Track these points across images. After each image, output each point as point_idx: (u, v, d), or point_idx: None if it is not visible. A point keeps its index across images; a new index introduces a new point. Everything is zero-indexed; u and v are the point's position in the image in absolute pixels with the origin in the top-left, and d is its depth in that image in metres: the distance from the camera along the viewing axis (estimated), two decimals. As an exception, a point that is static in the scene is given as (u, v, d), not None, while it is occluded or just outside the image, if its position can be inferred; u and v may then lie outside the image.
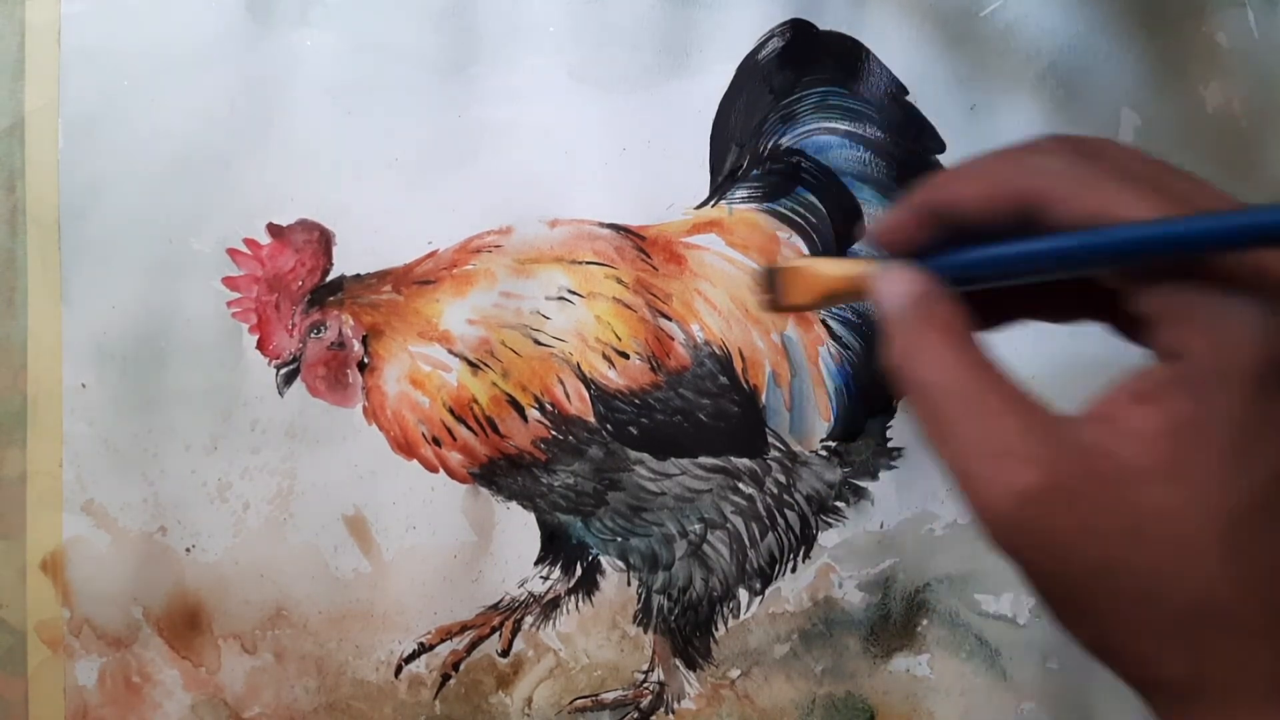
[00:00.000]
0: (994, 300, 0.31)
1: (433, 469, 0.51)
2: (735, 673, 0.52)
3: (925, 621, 0.52)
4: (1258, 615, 0.26)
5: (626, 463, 0.51)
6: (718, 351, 0.51)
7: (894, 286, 0.29)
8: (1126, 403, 0.26)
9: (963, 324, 0.28)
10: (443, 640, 0.51)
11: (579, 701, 0.52)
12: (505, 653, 0.52)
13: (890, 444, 0.52)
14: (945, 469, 0.28)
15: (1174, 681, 0.27)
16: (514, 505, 0.51)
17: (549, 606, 0.52)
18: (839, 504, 0.52)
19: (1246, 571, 0.26)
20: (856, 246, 0.52)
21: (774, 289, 0.32)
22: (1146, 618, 0.27)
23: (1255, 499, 0.26)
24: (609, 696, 0.52)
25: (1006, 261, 0.28)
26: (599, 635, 0.52)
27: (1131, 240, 0.26)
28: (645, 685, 0.52)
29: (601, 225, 0.52)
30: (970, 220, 0.29)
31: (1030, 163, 0.28)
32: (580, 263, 0.51)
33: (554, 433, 0.51)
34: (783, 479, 0.51)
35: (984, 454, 0.27)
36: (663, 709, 0.52)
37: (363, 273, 0.51)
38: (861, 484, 0.52)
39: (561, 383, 0.51)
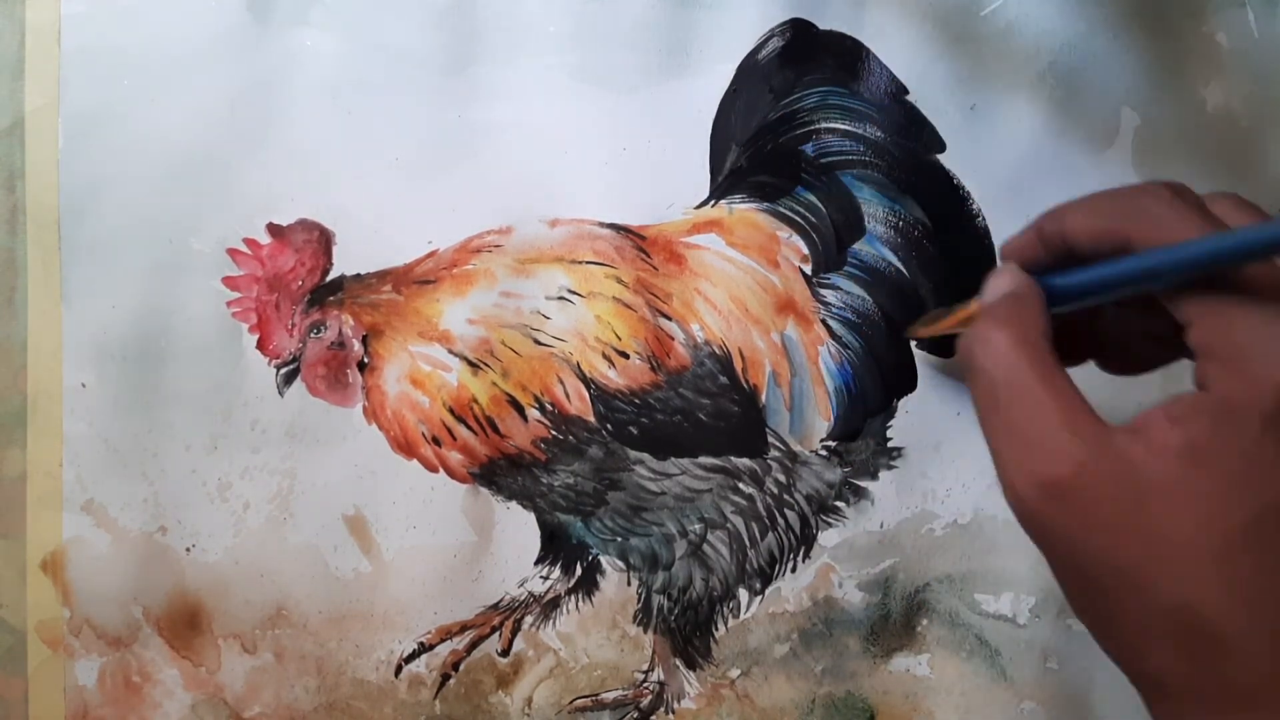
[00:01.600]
0: (1081, 338, 0.35)
1: (433, 469, 0.51)
2: (735, 673, 0.52)
3: (925, 621, 0.52)
4: (1238, 627, 0.28)
5: (626, 463, 0.51)
6: (718, 351, 0.51)
7: (999, 280, 0.34)
8: (1160, 420, 0.29)
9: (1041, 325, 0.32)
10: (443, 640, 0.51)
11: (579, 701, 0.52)
12: (505, 652, 0.52)
13: (890, 444, 0.52)
14: (990, 450, 0.31)
15: (1157, 676, 0.30)
16: (514, 505, 0.51)
17: (549, 606, 0.52)
18: (839, 504, 0.52)
19: (1233, 585, 0.28)
20: (856, 247, 0.52)
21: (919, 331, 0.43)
22: (1138, 611, 0.29)
23: (1251, 523, 0.28)
24: (609, 696, 0.52)
25: (1092, 281, 0.32)
26: (599, 635, 0.52)
27: (1182, 256, 0.29)
28: (645, 685, 0.52)
29: (601, 225, 0.52)
30: (1079, 249, 0.32)
31: (1136, 203, 0.31)
32: (580, 263, 0.51)
33: (554, 432, 0.51)
34: (783, 479, 0.51)
35: (1021, 441, 0.30)
36: (663, 709, 0.52)
37: (363, 273, 0.51)
38: (861, 484, 0.52)
39: (561, 382, 0.51)
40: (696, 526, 0.51)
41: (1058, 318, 0.33)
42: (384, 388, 0.51)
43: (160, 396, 0.50)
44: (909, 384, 0.52)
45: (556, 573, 0.52)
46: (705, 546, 0.52)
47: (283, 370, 0.51)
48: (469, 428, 0.50)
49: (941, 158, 0.53)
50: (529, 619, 0.52)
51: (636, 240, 0.52)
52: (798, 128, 0.52)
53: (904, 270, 0.52)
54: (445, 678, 0.51)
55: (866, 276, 0.52)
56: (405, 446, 0.51)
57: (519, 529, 0.51)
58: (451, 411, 0.50)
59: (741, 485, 0.51)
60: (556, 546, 0.52)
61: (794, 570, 0.52)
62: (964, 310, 0.38)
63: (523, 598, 0.52)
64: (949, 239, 0.53)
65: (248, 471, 0.51)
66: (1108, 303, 0.33)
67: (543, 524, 0.52)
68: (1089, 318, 0.36)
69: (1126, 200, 0.32)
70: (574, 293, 0.51)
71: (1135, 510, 0.28)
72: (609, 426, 0.51)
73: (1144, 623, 0.29)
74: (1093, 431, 0.29)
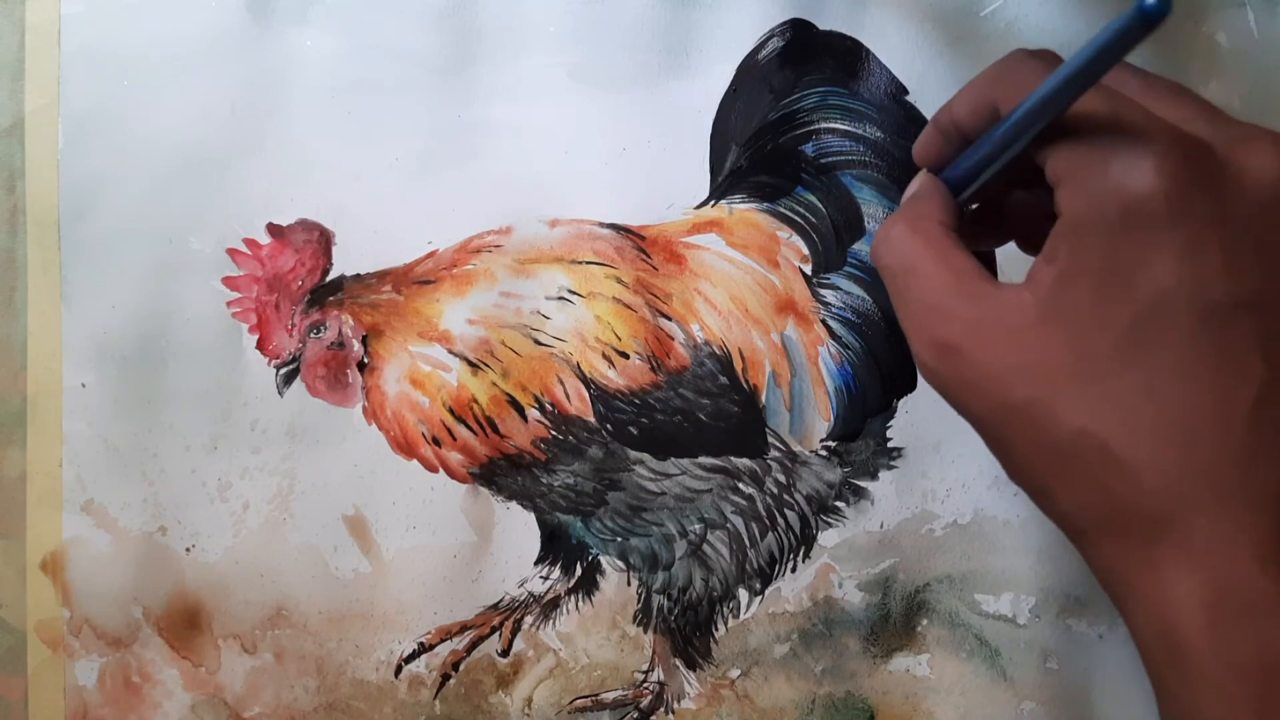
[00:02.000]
0: (998, 224, 0.37)
1: (433, 469, 0.51)
2: (735, 673, 0.52)
3: (925, 621, 0.52)
4: (1140, 450, 0.28)
5: (626, 463, 0.51)
6: (718, 351, 0.51)
7: (908, 189, 0.36)
8: (1039, 263, 0.30)
9: (937, 214, 0.33)
10: (443, 640, 0.51)
11: (579, 701, 0.52)
12: (505, 653, 0.52)
13: (890, 444, 0.52)
14: (904, 333, 0.33)
15: (1073, 514, 0.30)
16: (514, 505, 0.51)
17: (549, 606, 0.52)
18: (839, 504, 0.52)
19: (1125, 406, 0.28)
20: (857, 247, 0.52)
21: None
22: (1036, 451, 0.30)
23: (1125, 335, 0.28)
24: (609, 696, 0.52)
25: (975, 159, 0.34)
26: (599, 635, 0.52)
27: (1027, 105, 0.30)
28: (645, 685, 0.52)
29: (601, 225, 0.52)
30: (967, 130, 0.34)
31: (999, 71, 0.33)
32: (580, 263, 0.51)
33: (554, 433, 0.51)
34: (783, 479, 0.51)
35: (920, 312, 0.32)
36: (663, 709, 0.52)
37: (363, 273, 0.51)
38: (861, 484, 0.52)
39: (561, 383, 0.51)
40: (696, 526, 0.51)
41: (978, 201, 0.36)
42: (384, 388, 0.51)
43: (160, 396, 0.50)
44: (909, 384, 0.52)
45: (556, 573, 0.52)
46: (705, 546, 0.52)
47: (283, 370, 0.51)
48: (469, 428, 0.50)
49: (941, 158, 0.53)
50: (529, 619, 0.52)
51: (636, 240, 0.52)
52: (798, 128, 0.52)
53: (904, 270, 0.52)
54: (445, 678, 0.51)
55: (866, 276, 0.52)
56: (405, 447, 0.51)
57: (519, 529, 0.51)
58: (451, 412, 0.50)
59: (741, 485, 0.51)
60: (556, 546, 0.52)
61: (794, 570, 0.52)
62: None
63: (523, 598, 0.52)
64: (949, 239, 0.53)
65: (248, 471, 0.51)
66: (998, 175, 0.34)
67: (543, 524, 0.52)
68: (999, 202, 0.38)
69: (992, 71, 0.33)
70: (574, 293, 0.51)
71: (1021, 349, 0.29)
72: (609, 427, 0.51)
73: (1050, 459, 0.29)
74: (981, 291, 0.30)
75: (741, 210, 0.52)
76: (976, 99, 0.33)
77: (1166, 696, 0.29)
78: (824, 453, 0.52)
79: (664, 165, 0.52)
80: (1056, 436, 0.29)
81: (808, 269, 0.52)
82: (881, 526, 0.52)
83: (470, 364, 0.51)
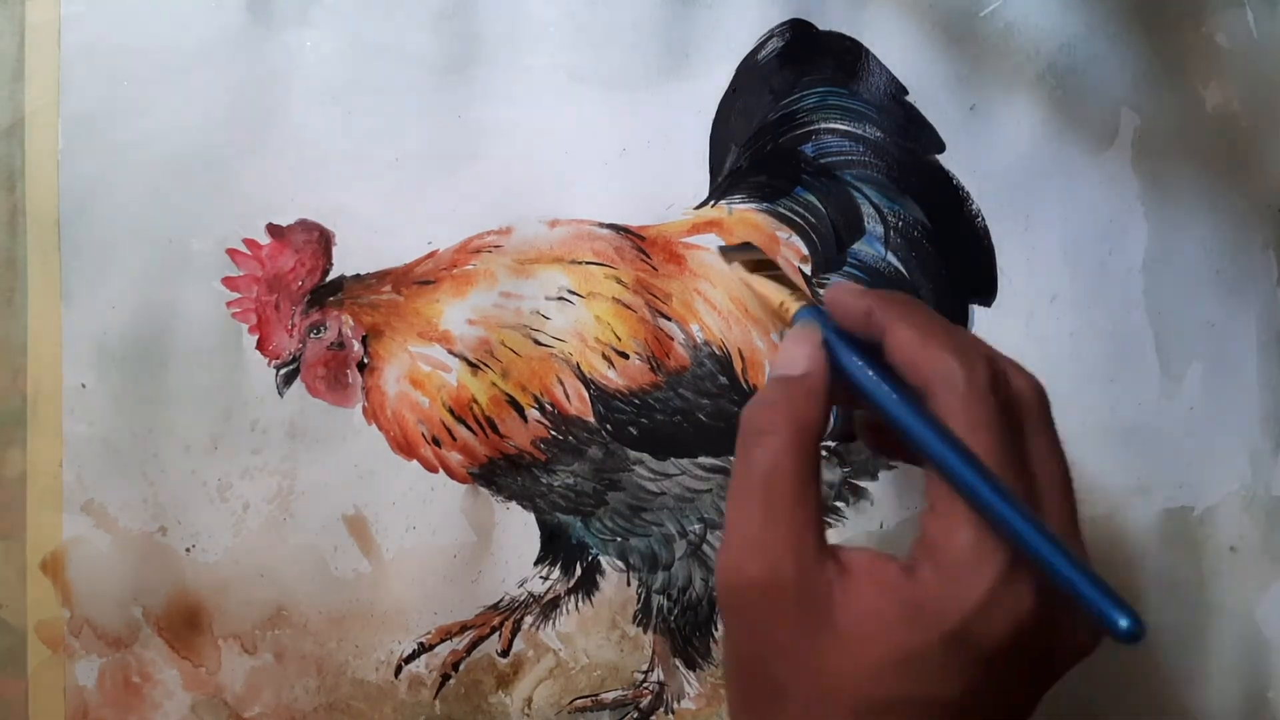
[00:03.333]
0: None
1: (433, 469, 0.51)
2: (735, 673, 0.52)
3: (925, 621, 0.52)
4: None
5: (626, 463, 0.51)
6: (717, 351, 0.51)
7: (799, 349, 0.34)
8: (864, 571, 0.31)
9: (818, 427, 0.32)
10: (443, 640, 0.51)
11: (579, 701, 0.52)
12: (505, 653, 0.52)
13: (890, 444, 0.52)
14: (726, 517, 0.32)
15: None
16: (514, 505, 0.51)
17: (549, 606, 0.52)
18: (839, 504, 0.52)
19: None
20: (856, 247, 0.52)
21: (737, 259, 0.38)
22: (763, 711, 0.31)
23: (885, 703, 0.29)
24: (609, 696, 0.52)
25: (857, 378, 0.32)
26: (599, 635, 0.52)
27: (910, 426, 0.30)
28: (645, 685, 0.52)
29: (601, 225, 0.52)
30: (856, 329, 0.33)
31: (873, 302, 0.32)
32: (580, 263, 0.51)
33: (554, 433, 0.51)
34: (783, 479, 0.51)
35: (748, 534, 0.31)
36: (663, 709, 0.52)
37: (363, 273, 0.51)
38: (861, 484, 0.52)
39: (561, 383, 0.51)
40: (696, 526, 0.51)
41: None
42: (384, 388, 0.51)
43: (160, 396, 0.50)
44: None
45: (556, 573, 0.52)
46: (705, 546, 0.52)
47: (283, 370, 0.51)
48: (469, 428, 0.50)
49: (941, 158, 0.53)
50: (529, 619, 0.52)
51: (636, 240, 0.52)
52: (797, 128, 0.52)
53: (904, 270, 0.52)
54: (445, 678, 0.51)
55: (866, 277, 0.52)
56: (405, 447, 0.51)
57: (519, 529, 0.51)
58: (451, 412, 0.50)
59: (741, 485, 0.51)
60: (556, 547, 0.52)
61: (794, 570, 0.52)
62: (782, 297, 0.36)
63: (522, 598, 0.52)
64: (948, 239, 0.53)
65: (248, 472, 0.51)
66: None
67: (543, 524, 0.52)
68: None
69: (884, 303, 0.33)
70: (574, 293, 0.51)
71: (805, 638, 0.30)
72: (609, 427, 0.51)
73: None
74: (810, 556, 0.30)
75: (741, 210, 0.52)
76: (859, 313, 0.33)
77: None
78: (824, 453, 0.52)
79: (664, 165, 0.52)
80: None
81: (807, 269, 0.52)
82: (881, 526, 0.52)
83: (470, 364, 0.51)
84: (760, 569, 0.30)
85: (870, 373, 0.31)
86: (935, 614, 0.29)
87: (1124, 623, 0.26)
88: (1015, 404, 0.31)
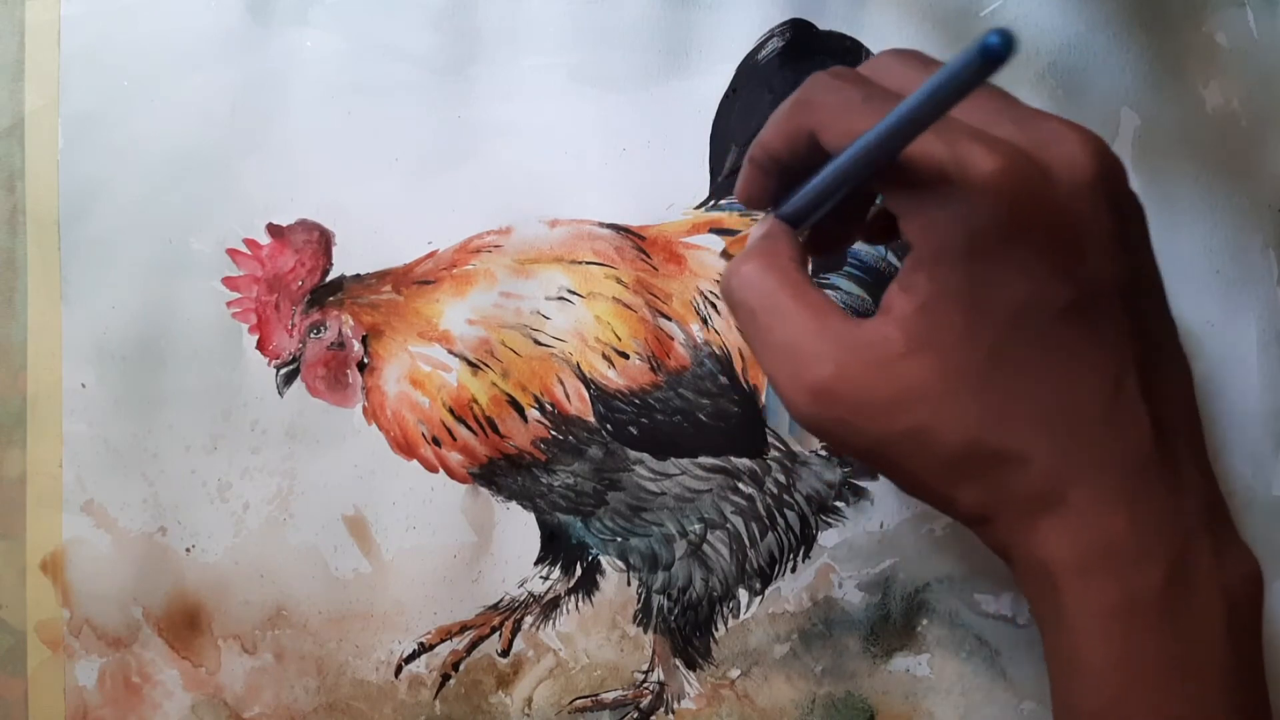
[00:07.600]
0: (832, 232, 0.38)
1: (433, 469, 0.51)
2: (735, 673, 0.52)
3: (925, 621, 0.52)
4: (1022, 442, 0.31)
5: (626, 463, 0.51)
6: (718, 351, 0.51)
7: (751, 231, 0.36)
8: (895, 293, 0.31)
9: (788, 251, 0.34)
10: (443, 640, 0.51)
11: (579, 701, 0.52)
12: (505, 653, 0.52)
13: (890, 444, 0.52)
14: (766, 374, 0.33)
15: (974, 511, 0.32)
16: (514, 505, 0.51)
17: (549, 606, 0.52)
18: (839, 504, 0.52)
19: (1002, 410, 0.30)
20: (857, 246, 0.52)
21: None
22: (927, 470, 0.32)
23: (990, 354, 0.30)
24: (609, 696, 0.52)
25: (805, 199, 0.34)
26: (599, 635, 0.52)
27: (867, 145, 0.30)
28: (645, 685, 0.52)
29: (601, 225, 0.52)
30: (786, 162, 0.34)
31: (805, 99, 0.33)
32: (580, 263, 0.51)
33: (554, 433, 0.51)
34: (783, 479, 0.51)
35: (786, 356, 0.32)
36: (663, 709, 0.52)
37: (363, 273, 0.51)
38: (861, 484, 0.52)
39: (561, 383, 0.51)
40: (696, 527, 0.51)
41: (816, 230, 0.36)
42: (384, 388, 0.51)
43: (160, 396, 0.50)
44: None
45: (556, 573, 0.52)
46: (705, 546, 0.52)
47: (283, 370, 0.51)
48: (469, 428, 0.50)
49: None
50: (529, 619, 0.52)
51: (636, 240, 0.52)
52: (798, 128, 0.52)
53: (904, 270, 0.52)
54: (445, 678, 0.51)
55: (866, 277, 0.52)
56: (405, 447, 0.51)
57: (519, 529, 0.51)
58: (451, 412, 0.50)
59: (741, 485, 0.51)
60: (556, 547, 0.52)
61: (794, 570, 0.52)
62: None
63: (523, 598, 0.52)
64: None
65: (248, 472, 0.51)
66: (837, 203, 0.34)
67: (543, 524, 0.52)
68: (843, 221, 0.38)
69: (799, 96, 0.33)
70: (574, 293, 0.51)
71: (894, 382, 0.31)
72: (609, 427, 0.51)
73: (943, 474, 0.31)
74: (844, 329, 0.31)
75: (741, 210, 0.52)
76: (788, 128, 0.33)
77: (1049, 640, 0.32)
78: (824, 453, 0.52)
79: (664, 165, 0.52)
80: (945, 453, 0.31)
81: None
82: (881, 526, 0.52)
83: (470, 364, 0.51)
84: (821, 369, 0.31)
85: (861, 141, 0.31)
86: (941, 251, 0.30)
87: (991, 38, 0.24)
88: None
